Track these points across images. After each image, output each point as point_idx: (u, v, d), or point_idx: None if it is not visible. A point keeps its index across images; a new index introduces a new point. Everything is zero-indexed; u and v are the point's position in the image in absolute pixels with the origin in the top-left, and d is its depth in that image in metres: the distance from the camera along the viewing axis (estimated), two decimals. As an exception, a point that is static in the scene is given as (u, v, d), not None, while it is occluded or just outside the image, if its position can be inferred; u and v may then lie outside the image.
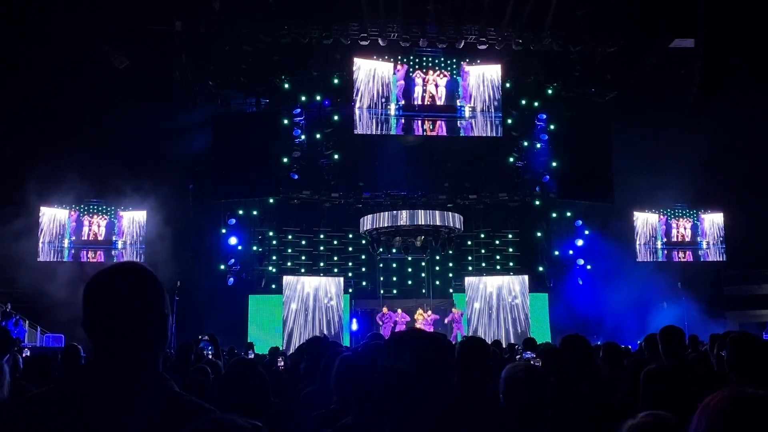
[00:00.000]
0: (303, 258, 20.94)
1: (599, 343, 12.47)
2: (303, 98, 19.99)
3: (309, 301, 19.06)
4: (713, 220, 21.83)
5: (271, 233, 20.57)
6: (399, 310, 18.45)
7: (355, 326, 19.07)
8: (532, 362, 5.85)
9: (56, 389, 1.64)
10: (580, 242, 20.74)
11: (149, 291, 1.66)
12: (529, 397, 2.67)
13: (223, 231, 19.96)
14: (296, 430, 3.00)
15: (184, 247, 18.85)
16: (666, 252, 21.74)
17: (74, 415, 1.52)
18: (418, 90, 19.60)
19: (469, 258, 21.57)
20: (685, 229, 21.84)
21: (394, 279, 21.04)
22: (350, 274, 20.80)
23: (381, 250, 19.07)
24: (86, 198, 19.58)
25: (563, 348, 3.93)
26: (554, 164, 20.56)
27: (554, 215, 21.19)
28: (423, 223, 17.98)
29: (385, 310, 18.35)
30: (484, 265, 21.33)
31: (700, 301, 19.23)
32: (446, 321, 18.58)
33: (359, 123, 19.34)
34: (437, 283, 21.00)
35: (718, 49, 18.94)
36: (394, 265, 21.04)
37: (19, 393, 3.29)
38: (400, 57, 19.56)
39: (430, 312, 18.50)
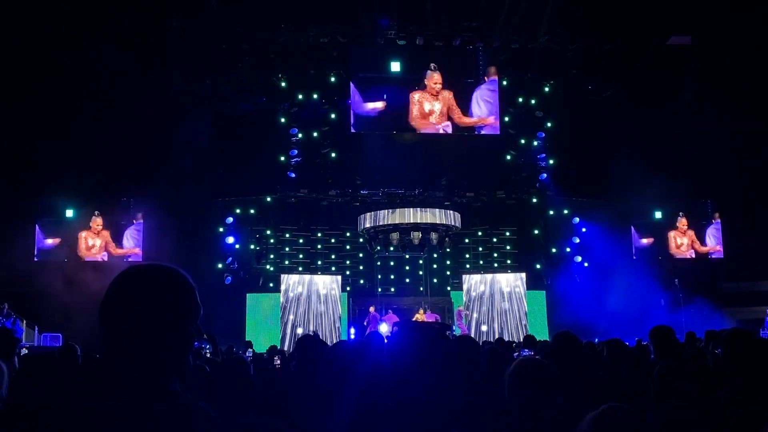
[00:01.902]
0: (301, 256, 20.95)
1: (596, 340, 12.53)
2: (300, 96, 19.99)
3: (307, 299, 19.06)
4: (711, 217, 21.83)
5: (268, 232, 20.57)
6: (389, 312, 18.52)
7: (353, 334, 19.06)
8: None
9: (59, 386, 1.64)
10: (577, 240, 20.79)
11: (170, 297, 1.64)
12: (532, 390, 2.67)
13: (221, 229, 19.97)
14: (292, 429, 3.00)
15: (182, 245, 18.84)
16: (663, 249, 21.73)
17: (75, 413, 1.52)
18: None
19: (467, 256, 21.59)
20: (682, 225, 21.82)
21: (392, 277, 21.06)
22: (348, 272, 20.81)
23: (379, 248, 19.09)
24: (82, 197, 19.53)
25: (554, 345, 3.94)
26: (552, 162, 20.61)
27: (552, 213, 21.21)
28: (421, 221, 18.01)
29: (372, 309, 18.42)
30: (481, 262, 21.35)
31: (697, 298, 19.26)
32: (459, 314, 18.72)
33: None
34: (435, 281, 21.02)
35: (715, 45, 18.99)
36: (392, 263, 21.06)
37: (18, 392, 3.30)
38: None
39: (428, 312, 18.51)
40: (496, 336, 17.64)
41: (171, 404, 1.59)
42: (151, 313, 1.59)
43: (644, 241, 21.32)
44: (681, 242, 21.53)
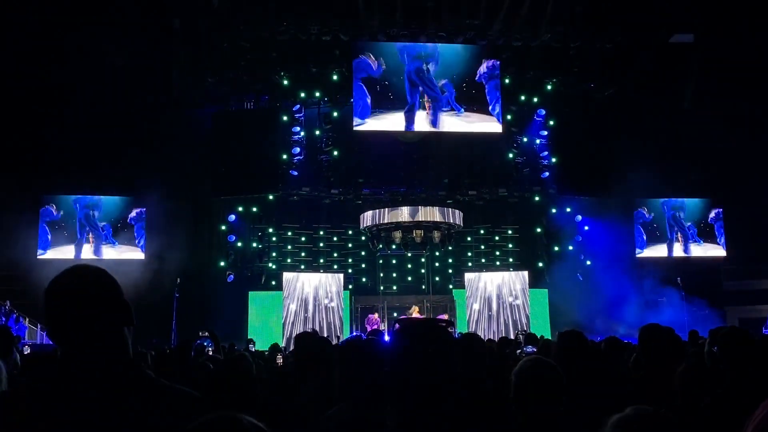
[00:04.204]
0: (303, 255, 20.95)
1: (598, 339, 12.52)
2: (302, 95, 20.00)
3: (309, 297, 19.07)
4: (712, 215, 21.82)
5: (270, 230, 20.58)
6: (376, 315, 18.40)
7: None
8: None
9: (28, 386, 1.70)
10: (579, 238, 20.77)
11: (104, 288, 1.74)
12: (537, 389, 2.66)
13: (223, 228, 19.99)
14: (292, 427, 3.01)
15: (184, 243, 18.86)
16: (665, 247, 21.74)
17: (49, 411, 1.59)
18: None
19: (469, 254, 21.58)
20: (684, 224, 21.81)
21: (394, 275, 21.05)
22: (350, 271, 20.81)
23: (381, 246, 19.07)
24: (84, 194, 19.58)
25: (560, 343, 3.93)
26: (554, 160, 20.57)
27: (554, 211, 21.19)
28: (423, 220, 18.00)
29: (376, 316, 18.33)
30: (483, 261, 21.33)
31: (699, 297, 19.25)
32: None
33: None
34: (437, 279, 21.01)
35: (717, 43, 18.95)
36: (394, 262, 21.05)
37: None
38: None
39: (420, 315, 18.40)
40: (501, 335, 17.62)
41: (152, 390, 1.68)
42: (92, 307, 1.69)
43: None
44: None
